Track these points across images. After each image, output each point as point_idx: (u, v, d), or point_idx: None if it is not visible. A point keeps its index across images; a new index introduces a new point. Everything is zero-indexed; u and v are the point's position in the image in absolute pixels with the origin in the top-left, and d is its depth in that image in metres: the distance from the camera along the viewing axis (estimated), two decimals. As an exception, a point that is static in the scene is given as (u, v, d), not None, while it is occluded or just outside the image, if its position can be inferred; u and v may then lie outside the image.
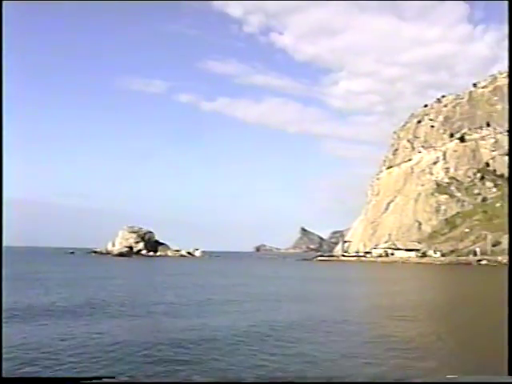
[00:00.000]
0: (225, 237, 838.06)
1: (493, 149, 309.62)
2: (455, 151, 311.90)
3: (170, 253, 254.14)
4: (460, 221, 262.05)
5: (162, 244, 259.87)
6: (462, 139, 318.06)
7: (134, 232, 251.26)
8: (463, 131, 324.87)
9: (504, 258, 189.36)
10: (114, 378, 12.52)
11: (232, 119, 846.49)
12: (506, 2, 16.01)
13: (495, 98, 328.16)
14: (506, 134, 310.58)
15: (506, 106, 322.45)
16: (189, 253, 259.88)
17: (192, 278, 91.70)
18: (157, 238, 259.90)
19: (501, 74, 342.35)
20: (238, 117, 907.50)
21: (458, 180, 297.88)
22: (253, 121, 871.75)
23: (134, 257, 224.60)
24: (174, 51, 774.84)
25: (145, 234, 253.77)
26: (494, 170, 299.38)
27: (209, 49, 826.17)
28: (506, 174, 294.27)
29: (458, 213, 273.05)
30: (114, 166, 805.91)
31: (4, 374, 19.96)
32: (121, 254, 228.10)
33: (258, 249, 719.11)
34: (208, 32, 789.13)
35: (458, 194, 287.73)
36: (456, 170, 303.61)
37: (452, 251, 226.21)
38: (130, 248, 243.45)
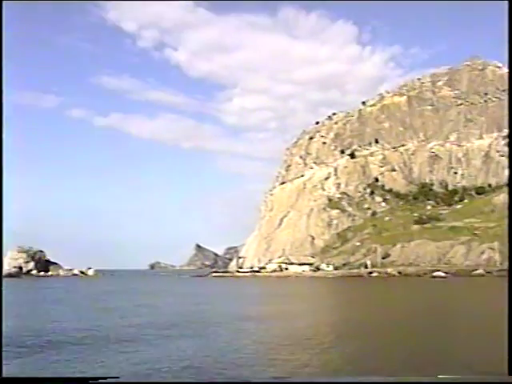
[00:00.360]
0: (119, 254, 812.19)
1: (381, 165, 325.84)
2: (346, 167, 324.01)
3: (62, 272, 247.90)
4: (351, 235, 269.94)
5: (54, 263, 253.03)
6: (352, 155, 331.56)
7: (24, 252, 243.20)
8: (353, 148, 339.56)
9: (394, 270, 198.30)
10: (118, 377, 12.39)
11: (126, 135, 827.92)
12: (506, 2, 15.84)
13: (383, 116, 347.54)
14: (393, 150, 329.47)
15: (393, 124, 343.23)
16: (82, 272, 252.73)
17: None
18: (49, 257, 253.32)
19: (388, 93, 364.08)
20: (131, 132, 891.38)
21: (348, 195, 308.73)
22: (147, 137, 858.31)
23: (24, 277, 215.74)
24: (66, 65, 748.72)
25: (35, 253, 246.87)
26: (383, 185, 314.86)
27: (102, 63, 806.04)
28: (394, 189, 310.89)
29: (349, 227, 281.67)
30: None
31: (4, 374, 20.24)
32: (9, 275, 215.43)
33: (152, 266, 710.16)
34: (101, 46, 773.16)
35: (349, 209, 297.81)
36: (347, 185, 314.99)
37: (344, 264, 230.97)
38: (20, 268, 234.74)
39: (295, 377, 22.95)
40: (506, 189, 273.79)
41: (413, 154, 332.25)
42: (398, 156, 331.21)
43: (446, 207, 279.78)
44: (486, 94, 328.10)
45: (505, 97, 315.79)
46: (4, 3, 14.17)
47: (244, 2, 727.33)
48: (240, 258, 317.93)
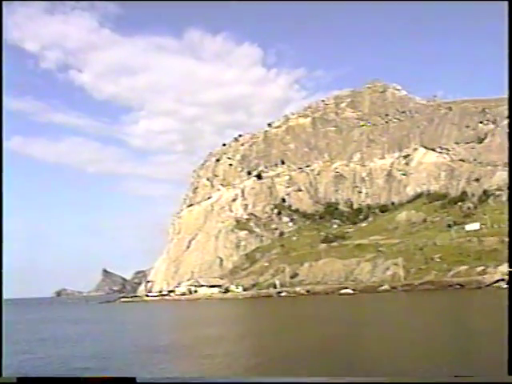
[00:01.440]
0: (22, 282, 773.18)
1: (288, 185, 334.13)
2: (253, 188, 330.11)
3: None
4: (259, 255, 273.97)
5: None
6: (258, 177, 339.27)
7: None
8: (260, 169, 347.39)
9: (302, 289, 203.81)
10: (118, 376, 12.34)
11: (29, 158, 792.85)
12: (506, 2, 16.04)
13: (288, 137, 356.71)
14: (299, 170, 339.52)
15: (298, 145, 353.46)
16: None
17: None
18: None
19: (293, 114, 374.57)
20: (35, 156, 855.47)
21: (256, 216, 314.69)
22: (51, 160, 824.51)
23: None
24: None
25: None
26: (290, 206, 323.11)
27: (3, 84, 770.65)
28: (301, 209, 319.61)
29: (257, 248, 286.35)
30: None
31: (4, 374, 20.12)
32: None
33: (58, 293, 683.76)
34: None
35: (257, 230, 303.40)
36: (254, 206, 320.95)
37: (253, 285, 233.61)
38: None
39: (295, 377, 23.81)
40: (408, 206, 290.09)
41: (318, 174, 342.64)
42: (304, 176, 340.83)
43: (351, 225, 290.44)
44: (386, 115, 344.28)
45: (404, 118, 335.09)
46: (4, 3, 14.63)
47: (150, 23, 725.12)
48: (148, 281, 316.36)
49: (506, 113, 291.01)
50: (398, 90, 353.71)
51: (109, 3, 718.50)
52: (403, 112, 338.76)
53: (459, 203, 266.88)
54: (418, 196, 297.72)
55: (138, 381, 12.08)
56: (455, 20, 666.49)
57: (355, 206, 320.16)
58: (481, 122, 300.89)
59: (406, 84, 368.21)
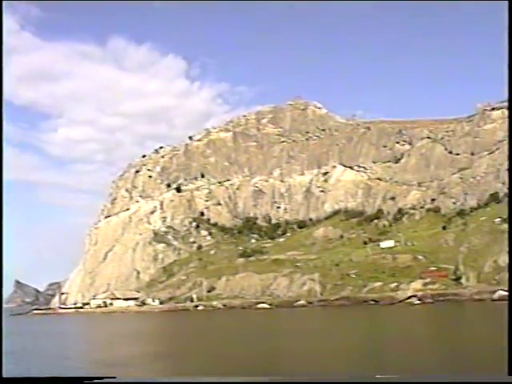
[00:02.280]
0: None
1: (207, 199, 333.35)
2: (172, 201, 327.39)
3: None
4: (177, 268, 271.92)
5: None
6: (178, 189, 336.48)
7: None
8: (179, 182, 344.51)
9: (219, 303, 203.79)
10: (115, 377, 12.82)
11: None
12: (506, 2, 16.22)
13: (209, 151, 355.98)
14: (218, 184, 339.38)
15: (219, 159, 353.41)
16: None
17: None
18: None
19: (214, 128, 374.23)
20: None
21: (174, 229, 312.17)
22: None
23: None
24: None
25: None
26: (209, 219, 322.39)
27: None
28: (220, 223, 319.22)
29: (175, 261, 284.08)
30: None
31: (4, 374, 20.37)
32: None
33: None
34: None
35: (175, 243, 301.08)
36: (173, 219, 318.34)
37: (170, 298, 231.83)
38: None
39: (296, 377, 23.60)
40: (325, 222, 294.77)
41: (238, 189, 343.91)
42: (224, 190, 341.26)
43: (269, 240, 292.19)
44: (307, 132, 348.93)
45: (324, 136, 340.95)
46: (4, 3, 14.34)
47: (74, 29, 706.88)
48: (63, 293, 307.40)
49: (421, 134, 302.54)
50: (319, 108, 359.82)
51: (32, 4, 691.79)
52: (323, 130, 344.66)
53: (375, 221, 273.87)
54: (336, 213, 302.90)
55: (121, 381, 12.67)
56: (376, 44, 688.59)
57: (273, 222, 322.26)
58: (397, 143, 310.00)
59: (326, 102, 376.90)
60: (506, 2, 16.31)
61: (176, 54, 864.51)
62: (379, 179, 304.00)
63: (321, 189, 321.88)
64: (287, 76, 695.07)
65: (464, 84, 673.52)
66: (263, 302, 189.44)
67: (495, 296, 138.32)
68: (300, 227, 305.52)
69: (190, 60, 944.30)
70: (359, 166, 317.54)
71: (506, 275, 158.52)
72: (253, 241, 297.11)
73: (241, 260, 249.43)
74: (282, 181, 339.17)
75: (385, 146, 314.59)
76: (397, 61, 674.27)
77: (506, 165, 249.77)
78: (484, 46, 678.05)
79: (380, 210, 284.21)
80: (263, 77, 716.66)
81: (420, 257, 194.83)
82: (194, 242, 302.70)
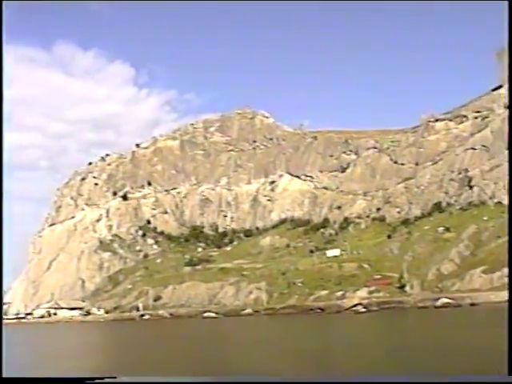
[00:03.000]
0: None
1: (153, 207, 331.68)
2: (118, 209, 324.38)
3: None
4: (123, 277, 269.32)
5: None
6: (124, 197, 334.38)
7: None
8: (126, 190, 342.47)
9: (165, 312, 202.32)
10: (115, 377, 12.83)
11: None
12: (506, 2, 16.43)
13: (156, 159, 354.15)
14: (165, 192, 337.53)
15: (166, 167, 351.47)
16: None
17: None
18: None
19: (161, 136, 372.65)
20: None
21: (120, 237, 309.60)
22: None
23: None
24: None
25: None
26: (155, 228, 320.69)
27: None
28: (166, 232, 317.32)
29: (120, 269, 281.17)
30: None
31: (4, 374, 20.40)
32: None
33: None
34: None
35: (121, 251, 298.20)
36: (119, 227, 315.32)
37: (116, 308, 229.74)
38: None
39: (295, 377, 23.54)
40: (272, 231, 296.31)
41: (185, 197, 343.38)
42: (171, 199, 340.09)
43: (216, 249, 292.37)
44: (254, 141, 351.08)
45: (271, 145, 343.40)
46: (4, 3, 14.38)
47: (19, 33, 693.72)
48: (5, 303, 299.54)
49: (367, 144, 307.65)
50: (267, 117, 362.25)
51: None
52: (270, 139, 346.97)
53: (321, 230, 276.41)
54: (282, 222, 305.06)
55: (121, 381, 12.56)
56: (322, 53, 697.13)
57: (220, 230, 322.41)
58: (344, 153, 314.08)
59: (274, 112, 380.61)
60: (506, 2, 16.56)
61: (123, 60, 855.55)
62: (326, 188, 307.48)
63: (268, 198, 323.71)
64: (236, 84, 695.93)
65: (410, 96, 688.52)
66: (210, 311, 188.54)
67: (438, 303, 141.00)
68: (247, 236, 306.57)
69: (137, 67, 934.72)
70: (306, 176, 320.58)
71: (448, 283, 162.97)
72: (199, 249, 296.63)
73: (187, 269, 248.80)
74: (229, 189, 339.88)
75: (331, 156, 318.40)
76: (345, 72, 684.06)
77: (448, 175, 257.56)
78: (429, 59, 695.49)
79: (326, 219, 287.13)
80: (211, 85, 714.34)
81: (365, 265, 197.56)
82: (140, 251, 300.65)
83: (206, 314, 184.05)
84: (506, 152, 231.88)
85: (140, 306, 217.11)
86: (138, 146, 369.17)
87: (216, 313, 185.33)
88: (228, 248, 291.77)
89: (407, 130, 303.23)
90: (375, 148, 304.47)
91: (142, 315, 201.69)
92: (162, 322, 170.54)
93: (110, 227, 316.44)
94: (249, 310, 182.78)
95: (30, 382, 11.96)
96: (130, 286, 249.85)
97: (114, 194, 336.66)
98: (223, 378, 22.42)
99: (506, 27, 16.12)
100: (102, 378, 10.40)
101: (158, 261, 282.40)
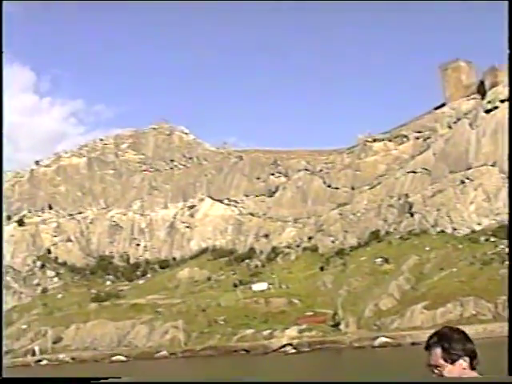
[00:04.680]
0: None
1: (55, 234, 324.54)
2: (12, 236, 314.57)
3: None
4: (17, 316, 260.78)
5: None
6: (20, 222, 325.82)
7: None
8: (23, 213, 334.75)
9: (67, 356, 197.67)
10: (120, 377, 13.80)
11: None
12: (506, 3, 17.31)
13: (59, 179, 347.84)
14: (69, 217, 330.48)
15: (70, 188, 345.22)
16: None
17: None
18: None
19: (66, 153, 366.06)
20: None
21: (15, 269, 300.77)
22: None
23: None
24: None
25: None
26: (56, 258, 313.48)
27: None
28: (70, 262, 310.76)
29: (14, 307, 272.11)
30: None
31: (4, 374, 21.66)
32: None
33: None
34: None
35: (15, 285, 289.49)
36: (13, 257, 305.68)
37: (7, 352, 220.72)
38: None
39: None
40: (191, 262, 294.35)
41: (91, 223, 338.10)
42: (75, 224, 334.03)
43: (127, 283, 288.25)
44: (172, 160, 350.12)
45: (191, 165, 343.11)
46: (4, 3, 15.57)
47: None
48: None
49: (298, 166, 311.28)
50: (186, 133, 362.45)
51: None
52: (190, 158, 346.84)
53: (246, 261, 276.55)
54: (203, 251, 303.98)
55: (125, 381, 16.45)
56: (248, 70, 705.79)
57: (132, 261, 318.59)
58: (272, 175, 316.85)
59: (195, 128, 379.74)
60: (506, 2, 17.33)
61: (23, 63, 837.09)
62: (252, 214, 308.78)
63: (186, 224, 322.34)
64: (151, 96, 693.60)
65: (345, 113, 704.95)
66: (119, 354, 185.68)
67: (376, 343, 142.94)
68: (162, 267, 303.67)
69: (39, 72, 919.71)
70: (230, 200, 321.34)
71: (387, 320, 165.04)
72: (108, 283, 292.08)
73: (93, 305, 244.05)
74: (142, 215, 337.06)
75: (258, 178, 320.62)
76: (273, 85, 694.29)
77: (387, 200, 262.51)
78: (364, 74, 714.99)
79: (252, 249, 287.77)
80: (124, 95, 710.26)
81: (296, 301, 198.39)
82: (38, 285, 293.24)
83: (114, 358, 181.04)
84: (450, 176, 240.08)
85: (36, 349, 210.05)
86: (37, 163, 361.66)
87: (126, 356, 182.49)
88: (141, 281, 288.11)
89: (342, 151, 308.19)
90: (307, 170, 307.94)
91: (39, 361, 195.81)
92: (63, 368, 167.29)
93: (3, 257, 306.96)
94: (164, 353, 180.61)
95: (29, 382, 12.86)
96: (24, 327, 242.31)
97: (9, 218, 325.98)
98: (225, 378, 23.30)
99: (506, 27, 16.80)
100: (106, 378, 10.68)
101: (59, 296, 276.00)
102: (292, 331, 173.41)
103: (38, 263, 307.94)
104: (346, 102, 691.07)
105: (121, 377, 14.07)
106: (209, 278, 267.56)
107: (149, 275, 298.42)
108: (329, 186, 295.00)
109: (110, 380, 10.66)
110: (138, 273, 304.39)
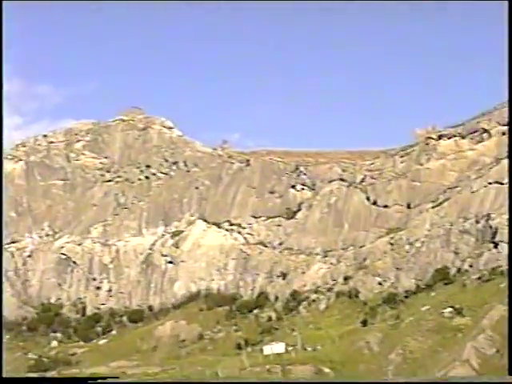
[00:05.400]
0: None
1: None
2: None
3: None
4: None
5: None
6: None
7: None
8: None
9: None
10: (118, 378, 15.03)
11: None
12: (506, 2, 20.63)
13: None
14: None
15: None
16: None
17: None
18: None
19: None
20: None
21: None
22: None
23: None
24: None
25: None
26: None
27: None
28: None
29: None
30: None
31: (4, 374, 47.35)
32: None
33: None
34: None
35: None
36: None
37: None
38: None
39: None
40: (175, 313, 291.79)
41: (30, 257, 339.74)
42: (7, 259, 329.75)
43: (82, 343, 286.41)
44: (148, 166, 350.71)
45: (176, 172, 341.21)
46: (4, 3, 21.53)
47: None
48: None
49: (330, 174, 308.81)
50: (169, 128, 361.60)
51: None
52: (175, 163, 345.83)
53: (255, 311, 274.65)
54: (193, 298, 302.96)
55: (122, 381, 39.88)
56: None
57: (90, 312, 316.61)
58: (293, 187, 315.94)
59: (180, 120, 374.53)
60: (506, 2, 18.96)
61: None
62: (263, 244, 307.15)
63: (169, 258, 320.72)
64: (118, 75, 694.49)
65: (396, 101, 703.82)
66: None
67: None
68: (134, 321, 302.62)
69: None
70: (231, 223, 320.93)
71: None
72: (54, 343, 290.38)
73: (33, 376, 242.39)
74: (105, 244, 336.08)
75: (272, 192, 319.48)
76: (292, 63, 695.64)
77: (460, 224, 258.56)
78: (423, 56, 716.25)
79: (263, 294, 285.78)
80: (79, 73, 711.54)
81: (327, 369, 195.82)
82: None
83: None
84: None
85: None
86: None
87: None
88: (102, 341, 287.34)
89: (394, 153, 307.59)
90: (343, 180, 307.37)
91: None
92: None
93: None
94: None
95: (29, 382, 32.68)
96: None
97: None
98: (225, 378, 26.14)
99: (506, 27, 18.20)
100: (105, 378, 9.91)
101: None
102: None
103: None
104: (398, 87, 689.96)
105: (118, 377, 13.95)
106: (201, 336, 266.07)
107: (114, 332, 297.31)
108: (374, 204, 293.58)
109: (108, 380, 26.20)
110: (99, 329, 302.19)
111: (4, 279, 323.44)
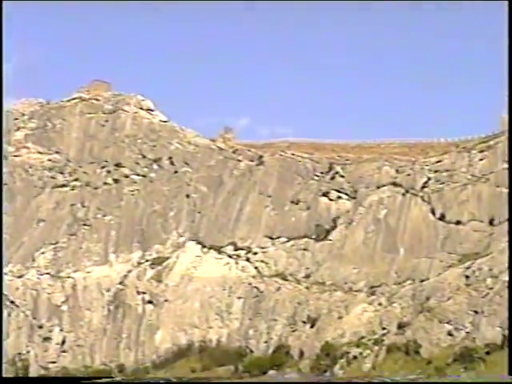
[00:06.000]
0: None
1: None
2: None
3: None
4: None
5: None
6: None
7: None
8: None
9: None
10: (112, 377, 52.90)
11: None
12: (506, 2, 42.40)
13: None
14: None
15: None
16: None
17: None
18: None
19: None
20: None
21: None
22: None
23: None
24: None
25: None
26: None
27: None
28: None
29: None
30: None
31: (4, 374, 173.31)
32: None
33: None
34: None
35: None
36: None
37: None
38: None
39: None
40: (156, 375, 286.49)
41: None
42: None
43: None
44: (118, 165, 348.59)
45: (159, 175, 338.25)
46: (4, 3, 23.49)
47: None
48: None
49: (378, 176, 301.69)
50: (149, 110, 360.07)
51: None
52: (157, 160, 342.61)
53: (270, 372, 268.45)
54: (182, 353, 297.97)
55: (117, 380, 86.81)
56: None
57: (34, 372, 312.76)
58: (324, 195, 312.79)
59: (167, 103, 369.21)
60: (506, 2, 39.76)
61: None
62: (282, 277, 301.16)
63: (148, 297, 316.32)
64: (77, 39, 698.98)
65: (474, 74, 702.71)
66: None
67: None
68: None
69: None
70: (236, 247, 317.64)
71: None
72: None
73: None
74: (57, 277, 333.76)
75: (295, 203, 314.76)
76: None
77: None
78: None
79: (282, 348, 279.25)
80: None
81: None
82: None
83: None
84: None
85: None
86: None
87: None
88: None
89: (469, 145, 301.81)
90: (395, 184, 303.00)
91: None
92: None
93: None
94: None
95: (29, 382, 65.49)
96: None
97: None
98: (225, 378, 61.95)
99: (506, 27, 21.06)
100: (100, 378, 49.49)
101: None
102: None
103: None
104: (476, 54, 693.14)
105: (113, 376, 63.98)
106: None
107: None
108: (442, 219, 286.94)
109: (102, 380, 54.18)
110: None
111: None
